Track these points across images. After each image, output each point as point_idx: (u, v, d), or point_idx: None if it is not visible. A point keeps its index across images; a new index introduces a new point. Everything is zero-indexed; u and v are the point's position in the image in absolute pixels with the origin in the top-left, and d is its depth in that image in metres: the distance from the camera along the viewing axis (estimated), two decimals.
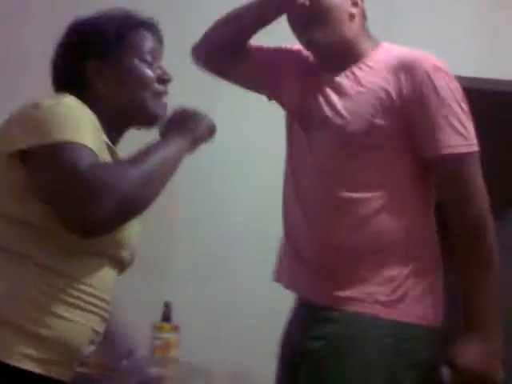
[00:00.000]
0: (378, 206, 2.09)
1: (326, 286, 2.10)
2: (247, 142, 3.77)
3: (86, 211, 1.63)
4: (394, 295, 2.07)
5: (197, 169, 3.69)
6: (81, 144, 1.69)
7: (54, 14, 3.53)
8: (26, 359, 1.72)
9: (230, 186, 3.78)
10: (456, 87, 2.11)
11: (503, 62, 3.97)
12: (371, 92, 2.11)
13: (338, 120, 2.12)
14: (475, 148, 2.09)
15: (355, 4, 2.20)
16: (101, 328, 1.89)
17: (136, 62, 1.96)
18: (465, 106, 2.11)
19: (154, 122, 1.98)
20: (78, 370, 2.68)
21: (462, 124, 2.08)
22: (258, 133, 3.73)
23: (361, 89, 2.14)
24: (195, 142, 1.94)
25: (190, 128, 1.92)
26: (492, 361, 2.02)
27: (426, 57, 2.14)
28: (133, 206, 1.72)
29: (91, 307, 1.82)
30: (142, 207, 1.74)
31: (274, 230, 2.71)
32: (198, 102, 2.04)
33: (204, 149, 2.01)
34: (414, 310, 2.08)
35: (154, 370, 3.18)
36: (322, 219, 2.14)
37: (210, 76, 2.49)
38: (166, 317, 3.40)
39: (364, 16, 2.25)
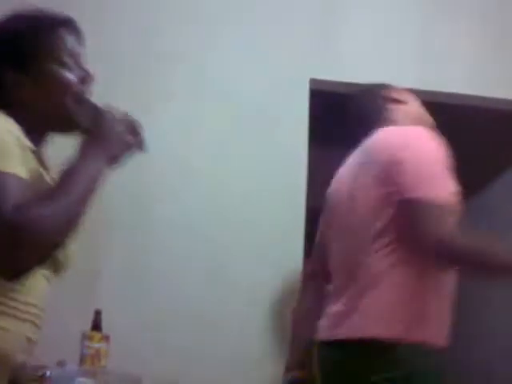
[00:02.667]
0: None
1: None
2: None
3: (10, 260, 1.62)
4: None
5: (130, 178, 3.49)
6: (7, 174, 1.65)
7: None
8: None
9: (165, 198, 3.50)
10: None
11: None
12: None
13: None
14: None
15: None
16: (34, 335, 1.86)
17: (55, 67, 1.92)
18: None
19: (75, 128, 1.93)
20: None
21: None
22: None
23: None
24: (116, 158, 1.87)
25: (112, 143, 1.83)
26: None
27: None
28: (56, 244, 1.70)
29: (24, 315, 1.79)
30: (65, 241, 1.72)
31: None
32: None
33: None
34: None
35: (83, 380, 3.27)
36: None
37: None
38: (96, 325, 3.30)
39: None
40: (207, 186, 3.81)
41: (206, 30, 4.01)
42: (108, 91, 3.66)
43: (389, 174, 2.48)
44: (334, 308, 2.59)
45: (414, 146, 2.51)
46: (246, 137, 3.91)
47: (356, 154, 2.73)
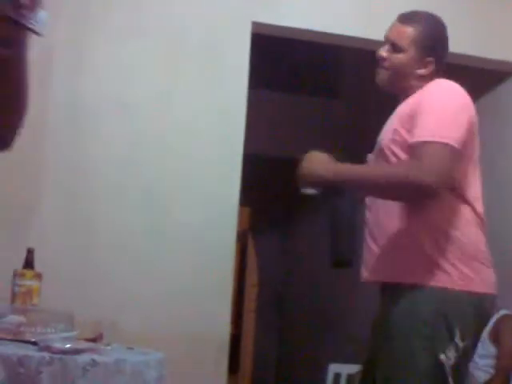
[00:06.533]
0: None
1: None
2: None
3: None
4: None
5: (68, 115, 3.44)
6: None
7: None
8: None
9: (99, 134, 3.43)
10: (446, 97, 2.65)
11: None
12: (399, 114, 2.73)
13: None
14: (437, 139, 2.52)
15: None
16: None
17: None
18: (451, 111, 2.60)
19: None
20: None
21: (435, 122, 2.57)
22: None
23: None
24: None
25: None
26: None
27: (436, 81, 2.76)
28: None
29: None
30: None
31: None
32: None
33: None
34: None
35: (13, 318, 3.24)
36: None
37: None
38: (29, 263, 3.26)
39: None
40: (147, 123, 3.79)
41: None
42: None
43: None
44: None
45: None
46: (186, 76, 3.88)
47: None
